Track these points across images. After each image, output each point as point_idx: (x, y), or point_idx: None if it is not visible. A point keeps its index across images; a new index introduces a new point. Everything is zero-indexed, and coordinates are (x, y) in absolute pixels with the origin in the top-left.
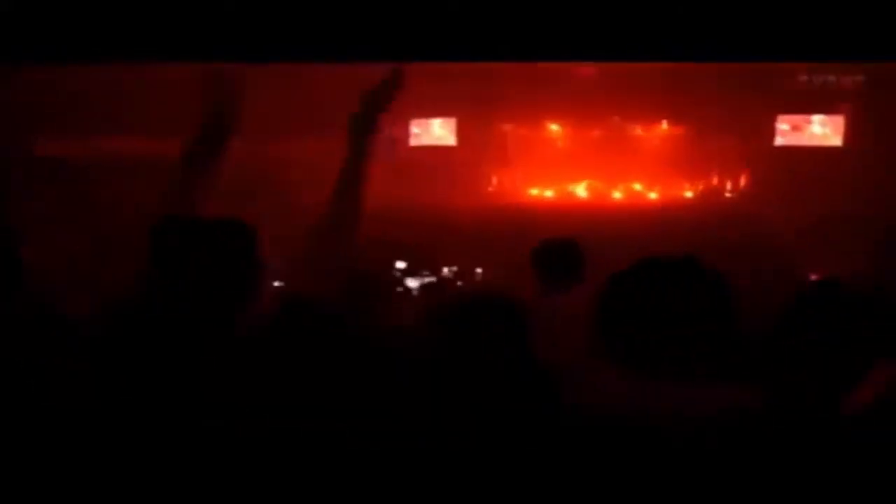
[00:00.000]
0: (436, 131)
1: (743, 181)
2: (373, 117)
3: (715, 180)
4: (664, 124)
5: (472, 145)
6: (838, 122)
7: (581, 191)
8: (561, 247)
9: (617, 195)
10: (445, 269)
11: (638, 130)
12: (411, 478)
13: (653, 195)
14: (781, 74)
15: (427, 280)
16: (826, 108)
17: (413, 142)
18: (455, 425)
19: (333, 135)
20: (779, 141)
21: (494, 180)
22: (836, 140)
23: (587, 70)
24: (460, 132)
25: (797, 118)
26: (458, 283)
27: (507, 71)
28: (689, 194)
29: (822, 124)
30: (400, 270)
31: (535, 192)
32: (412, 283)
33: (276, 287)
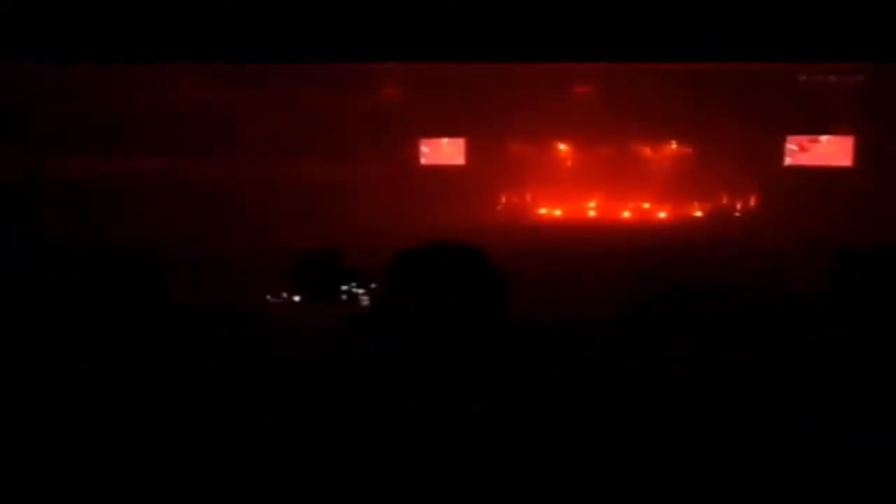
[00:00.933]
0: (445, 150)
1: (752, 201)
2: None
3: (724, 199)
4: (673, 144)
5: (481, 164)
6: (847, 142)
7: (590, 210)
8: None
9: (626, 214)
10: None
11: (647, 150)
12: (411, 478)
13: (662, 214)
14: (791, 95)
15: None
16: (835, 129)
17: (424, 161)
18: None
19: None
20: (788, 161)
21: (504, 199)
22: (845, 160)
23: (593, 89)
24: (469, 152)
25: (806, 139)
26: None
27: (514, 90)
28: (698, 213)
29: (832, 144)
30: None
31: (544, 210)
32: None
33: None
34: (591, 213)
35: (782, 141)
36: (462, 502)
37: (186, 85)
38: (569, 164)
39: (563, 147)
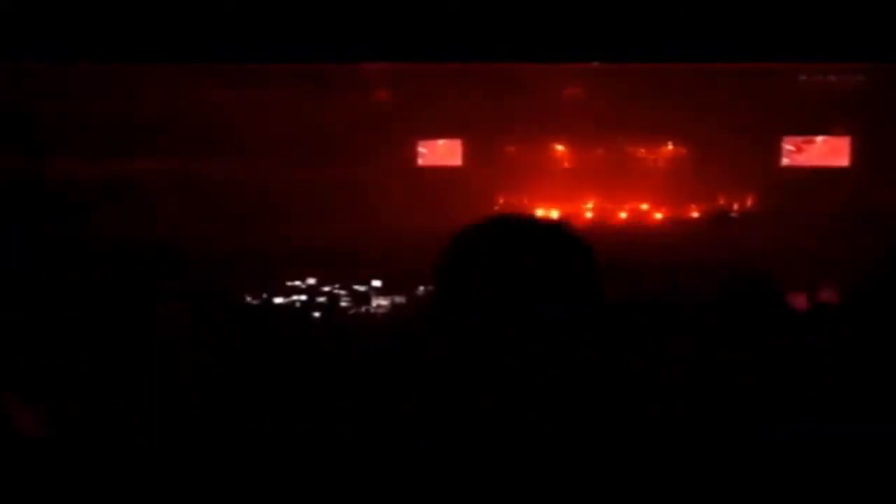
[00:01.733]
0: (442, 151)
1: (749, 202)
2: None
3: (721, 200)
4: (669, 144)
5: (478, 165)
6: (844, 143)
7: (587, 211)
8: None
9: (623, 215)
10: (421, 288)
11: (643, 151)
12: (411, 478)
13: (658, 215)
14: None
15: None
16: (832, 129)
17: (420, 162)
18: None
19: None
20: (785, 161)
21: (501, 200)
22: (842, 161)
23: (590, 90)
24: (465, 152)
25: (802, 139)
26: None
27: (510, 91)
28: (695, 214)
29: (828, 145)
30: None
31: (540, 212)
32: None
33: None
34: (588, 214)
35: (779, 141)
36: (462, 502)
37: (185, 85)
38: (566, 164)
39: (560, 147)
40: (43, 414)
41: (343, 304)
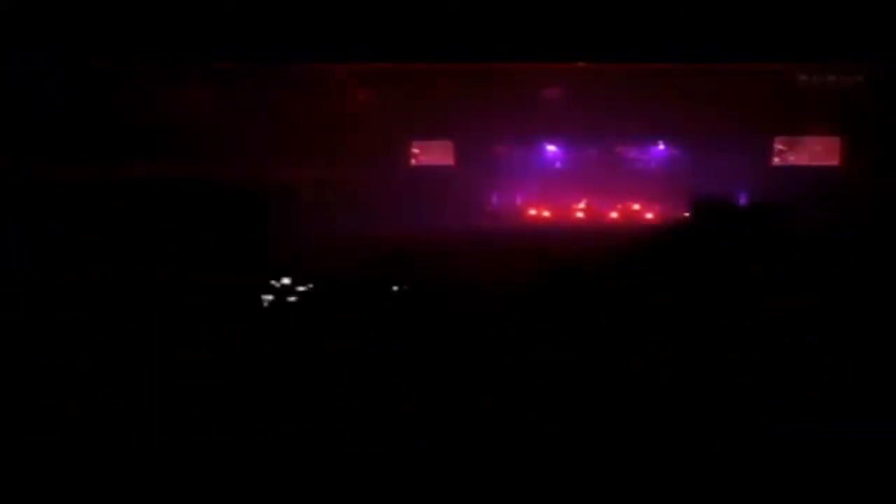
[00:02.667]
0: (435, 152)
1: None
2: None
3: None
4: (661, 145)
5: (470, 166)
6: (834, 142)
7: (579, 211)
8: None
9: (613, 215)
10: None
11: (633, 151)
12: (411, 478)
13: (649, 215)
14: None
15: None
16: (823, 129)
17: (414, 162)
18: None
19: None
20: (776, 161)
21: (494, 200)
22: (833, 160)
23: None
24: (458, 153)
25: (793, 139)
26: None
27: (502, 93)
28: (686, 214)
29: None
30: None
31: (533, 212)
32: None
33: None
34: (580, 215)
35: (770, 141)
36: (462, 502)
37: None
38: (557, 164)
39: (552, 148)
40: None
41: None
